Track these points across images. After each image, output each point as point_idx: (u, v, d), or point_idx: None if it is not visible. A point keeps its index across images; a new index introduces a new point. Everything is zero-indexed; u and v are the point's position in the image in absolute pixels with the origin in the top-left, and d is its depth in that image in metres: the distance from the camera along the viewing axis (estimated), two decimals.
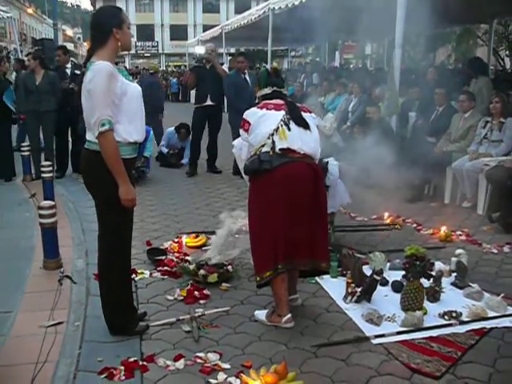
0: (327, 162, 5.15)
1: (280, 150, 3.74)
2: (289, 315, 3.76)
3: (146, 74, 24.03)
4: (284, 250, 3.70)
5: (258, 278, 3.82)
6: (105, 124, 3.22)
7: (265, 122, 3.83)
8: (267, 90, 4.09)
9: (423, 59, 22.83)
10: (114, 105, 3.27)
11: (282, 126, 3.78)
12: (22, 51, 23.70)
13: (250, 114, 3.95)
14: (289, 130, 3.78)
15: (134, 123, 3.43)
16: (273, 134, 3.75)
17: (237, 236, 5.13)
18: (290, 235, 3.69)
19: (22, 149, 8.48)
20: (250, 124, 3.90)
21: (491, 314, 3.96)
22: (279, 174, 3.69)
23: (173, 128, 10.44)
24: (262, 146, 3.76)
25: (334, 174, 5.22)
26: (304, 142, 3.79)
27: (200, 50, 13.60)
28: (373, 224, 5.98)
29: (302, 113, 3.92)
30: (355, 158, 7.44)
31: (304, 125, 3.84)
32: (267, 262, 3.74)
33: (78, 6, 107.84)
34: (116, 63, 3.54)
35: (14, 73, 12.19)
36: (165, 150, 10.31)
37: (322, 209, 3.88)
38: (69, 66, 8.98)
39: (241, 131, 4.02)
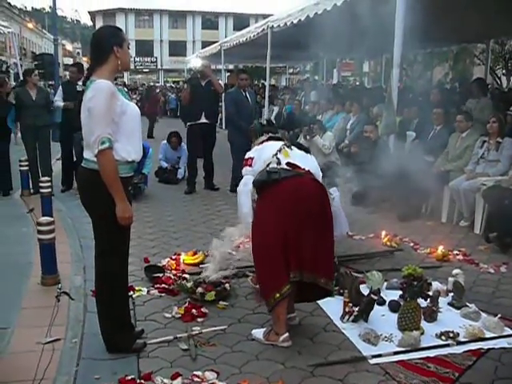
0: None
1: (286, 164, 3.82)
2: (286, 334, 3.75)
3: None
4: (295, 258, 3.67)
5: (277, 295, 3.68)
6: (105, 142, 3.24)
7: (267, 149, 3.99)
8: (263, 138, 4.21)
9: (420, 77, 22.97)
10: (113, 123, 3.30)
11: (284, 147, 3.93)
12: (21, 65, 23.79)
13: (251, 152, 4.13)
14: (291, 150, 3.93)
15: (132, 142, 3.46)
16: (276, 154, 3.86)
17: (234, 253, 5.16)
18: (298, 246, 3.67)
19: (21, 163, 8.49)
20: (252, 158, 4.05)
21: (488, 334, 3.96)
22: (288, 185, 3.73)
23: (165, 140, 10.49)
24: (268, 164, 3.84)
25: (336, 205, 5.28)
26: (306, 162, 3.91)
27: (196, 63, 13.70)
28: (376, 252, 5.90)
29: None
30: (353, 176, 7.51)
31: (305, 149, 4.00)
32: (282, 275, 3.68)
33: (77, 21, 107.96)
34: (115, 78, 3.57)
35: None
36: (164, 165, 10.32)
37: (329, 225, 3.85)
38: (80, 82, 9.01)
39: (244, 170, 4.11)
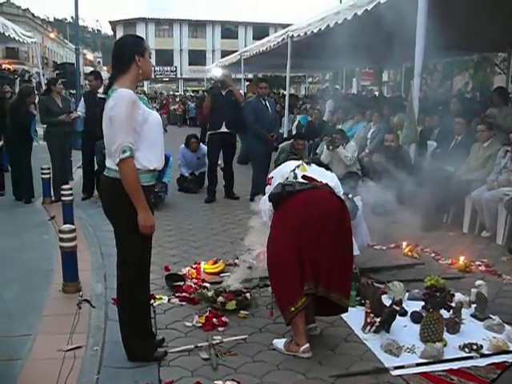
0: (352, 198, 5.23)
1: (302, 177, 3.84)
2: (307, 345, 3.73)
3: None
4: (310, 270, 3.64)
5: (292, 309, 3.66)
6: (126, 151, 3.25)
7: (286, 167, 4.09)
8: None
9: (440, 87, 22.85)
10: (134, 132, 3.32)
11: (302, 164, 4.01)
12: (43, 75, 24.07)
13: (272, 172, 4.28)
14: (309, 166, 4.00)
15: (153, 151, 3.47)
16: (294, 170, 3.93)
17: (254, 262, 5.14)
18: (313, 258, 3.65)
19: (42, 171, 8.57)
20: (272, 177, 4.16)
21: None
22: (302, 198, 3.74)
23: (183, 145, 10.47)
24: (286, 179, 3.90)
25: (359, 214, 5.27)
26: (324, 176, 3.97)
27: (217, 73, 13.74)
28: (397, 265, 5.87)
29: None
30: (374, 185, 7.46)
31: (325, 166, 4.04)
32: (296, 290, 3.66)
33: (98, 30, 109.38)
34: (135, 87, 3.59)
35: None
36: (185, 173, 10.27)
37: (347, 239, 3.82)
38: (101, 90, 9.09)
39: (266, 188, 4.21)
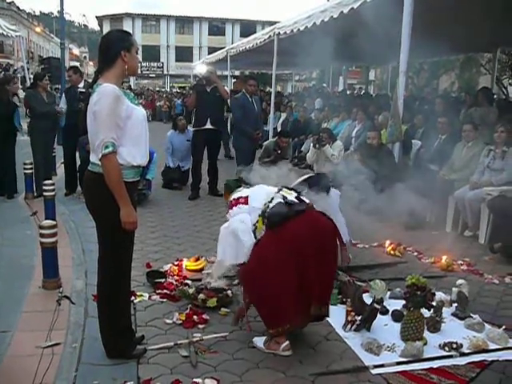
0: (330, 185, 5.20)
1: (294, 198, 3.85)
2: (286, 342, 3.72)
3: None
4: (317, 292, 3.67)
5: (280, 330, 3.68)
6: (108, 146, 3.22)
7: (261, 188, 4.02)
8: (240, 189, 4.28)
9: (426, 86, 22.96)
10: (118, 128, 3.29)
11: (283, 189, 3.97)
12: (28, 69, 23.87)
13: (239, 193, 4.10)
14: (289, 191, 3.97)
15: (138, 146, 3.44)
16: (278, 192, 3.89)
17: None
18: (310, 283, 3.64)
19: (25, 166, 8.49)
20: (246, 197, 3.96)
21: (492, 346, 3.92)
22: (302, 218, 3.72)
23: (171, 130, 10.37)
24: (270, 201, 3.82)
25: (334, 206, 5.24)
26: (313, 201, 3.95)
27: (201, 69, 13.66)
28: (379, 264, 5.88)
29: None
30: (357, 184, 7.46)
31: (300, 199, 3.95)
32: (292, 309, 3.64)
33: (85, 25, 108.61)
34: (122, 83, 3.56)
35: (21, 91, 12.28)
36: (171, 163, 10.13)
37: (335, 255, 3.90)
38: (81, 85, 9.03)
39: (237, 209, 3.95)
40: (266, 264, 3.65)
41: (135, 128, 3.40)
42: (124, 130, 3.33)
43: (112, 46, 3.44)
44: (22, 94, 11.87)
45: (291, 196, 3.86)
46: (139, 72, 54.94)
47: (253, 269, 3.72)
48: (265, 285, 3.67)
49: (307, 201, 3.92)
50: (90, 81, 3.71)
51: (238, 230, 3.84)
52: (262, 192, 3.95)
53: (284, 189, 3.96)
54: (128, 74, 3.54)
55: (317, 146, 8.07)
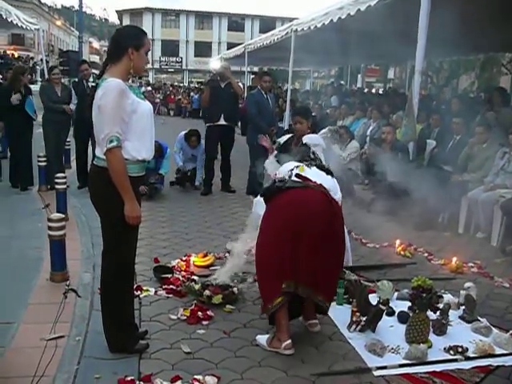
0: None
1: (296, 175, 3.82)
2: (288, 341, 3.70)
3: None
4: (290, 269, 3.62)
5: (269, 307, 3.70)
6: (113, 141, 3.22)
7: (288, 165, 4.05)
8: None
9: (446, 85, 22.71)
10: (123, 122, 3.28)
11: (303, 165, 3.97)
12: (48, 62, 23.99)
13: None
14: (309, 167, 3.95)
15: (143, 141, 3.43)
16: (292, 169, 3.90)
17: (245, 257, 5.09)
18: (294, 256, 3.62)
19: (39, 159, 8.54)
20: (276, 174, 4.12)
21: (499, 351, 3.86)
22: (290, 195, 3.73)
23: (183, 133, 10.17)
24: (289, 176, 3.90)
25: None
26: (322, 178, 3.89)
27: (215, 65, 13.61)
28: (388, 264, 5.81)
29: None
30: (370, 182, 7.40)
31: (326, 170, 4.00)
32: (275, 287, 3.66)
33: (106, 19, 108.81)
34: (140, 77, 3.54)
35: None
36: (179, 163, 9.73)
37: (336, 244, 3.83)
38: (91, 79, 9.08)
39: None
40: (258, 241, 3.85)
41: (140, 122, 3.39)
42: (129, 125, 3.32)
43: (121, 41, 3.43)
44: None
45: (300, 173, 3.86)
46: (158, 67, 55.23)
47: (256, 244, 3.90)
48: (256, 262, 3.85)
49: (315, 179, 3.86)
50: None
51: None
52: (284, 167, 4.06)
53: (303, 166, 3.96)
54: (133, 73, 3.50)
55: (332, 134, 7.90)
